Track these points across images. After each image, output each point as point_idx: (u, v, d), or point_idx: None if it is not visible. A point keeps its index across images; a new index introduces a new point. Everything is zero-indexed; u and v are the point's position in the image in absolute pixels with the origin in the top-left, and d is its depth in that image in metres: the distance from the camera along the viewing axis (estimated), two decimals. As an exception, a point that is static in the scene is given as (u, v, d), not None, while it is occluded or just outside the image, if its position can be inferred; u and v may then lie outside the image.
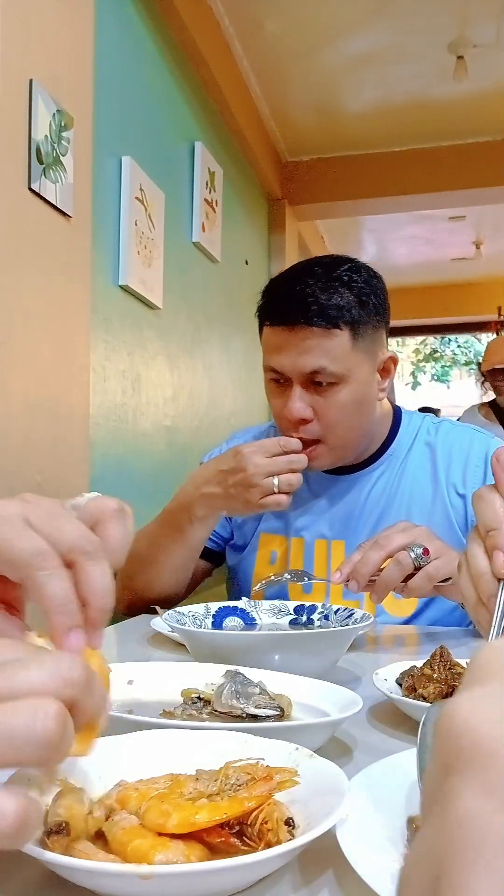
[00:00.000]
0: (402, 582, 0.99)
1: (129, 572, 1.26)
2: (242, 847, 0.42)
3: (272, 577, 1.13)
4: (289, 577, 1.14)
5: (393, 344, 8.58)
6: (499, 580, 0.47)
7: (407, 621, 1.23)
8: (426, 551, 0.98)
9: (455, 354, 12.56)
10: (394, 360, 1.24)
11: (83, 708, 0.34)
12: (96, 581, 0.43)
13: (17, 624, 0.45)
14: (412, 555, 0.98)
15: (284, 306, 1.15)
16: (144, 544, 1.25)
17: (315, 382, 1.16)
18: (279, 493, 1.11)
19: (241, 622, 0.99)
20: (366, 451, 1.28)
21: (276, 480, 1.11)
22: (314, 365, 1.14)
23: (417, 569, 0.98)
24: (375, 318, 1.19)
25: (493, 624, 0.46)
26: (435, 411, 5.10)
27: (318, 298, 1.13)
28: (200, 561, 1.33)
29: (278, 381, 1.19)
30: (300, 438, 1.17)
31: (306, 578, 1.15)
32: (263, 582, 1.12)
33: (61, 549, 0.42)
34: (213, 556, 1.38)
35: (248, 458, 1.11)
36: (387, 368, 1.24)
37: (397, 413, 1.34)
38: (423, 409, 5.12)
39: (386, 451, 1.30)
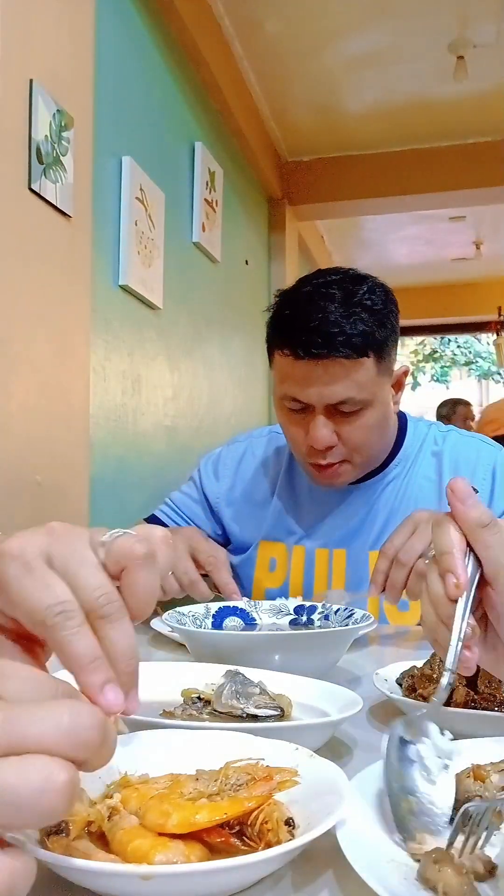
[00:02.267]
0: None
1: None
2: (242, 847, 0.42)
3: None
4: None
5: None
6: (452, 601, 0.50)
7: None
8: None
9: (455, 355, 12.57)
10: (405, 373, 1.23)
11: (92, 764, 0.32)
12: (118, 644, 0.40)
13: (38, 664, 0.43)
14: (427, 563, 0.97)
15: (306, 337, 1.08)
16: None
17: (339, 409, 1.13)
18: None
19: (241, 622, 0.99)
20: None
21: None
22: (342, 396, 1.11)
23: None
24: (393, 337, 1.16)
25: (451, 645, 0.49)
26: (465, 403, 4.94)
27: (343, 328, 1.08)
28: None
29: (297, 409, 1.16)
30: (327, 464, 1.16)
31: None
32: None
33: (80, 602, 0.40)
34: None
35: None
36: (399, 382, 1.23)
37: (402, 420, 1.32)
38: (454, 401, 4.94)
39: (393, 461, 1.28)
